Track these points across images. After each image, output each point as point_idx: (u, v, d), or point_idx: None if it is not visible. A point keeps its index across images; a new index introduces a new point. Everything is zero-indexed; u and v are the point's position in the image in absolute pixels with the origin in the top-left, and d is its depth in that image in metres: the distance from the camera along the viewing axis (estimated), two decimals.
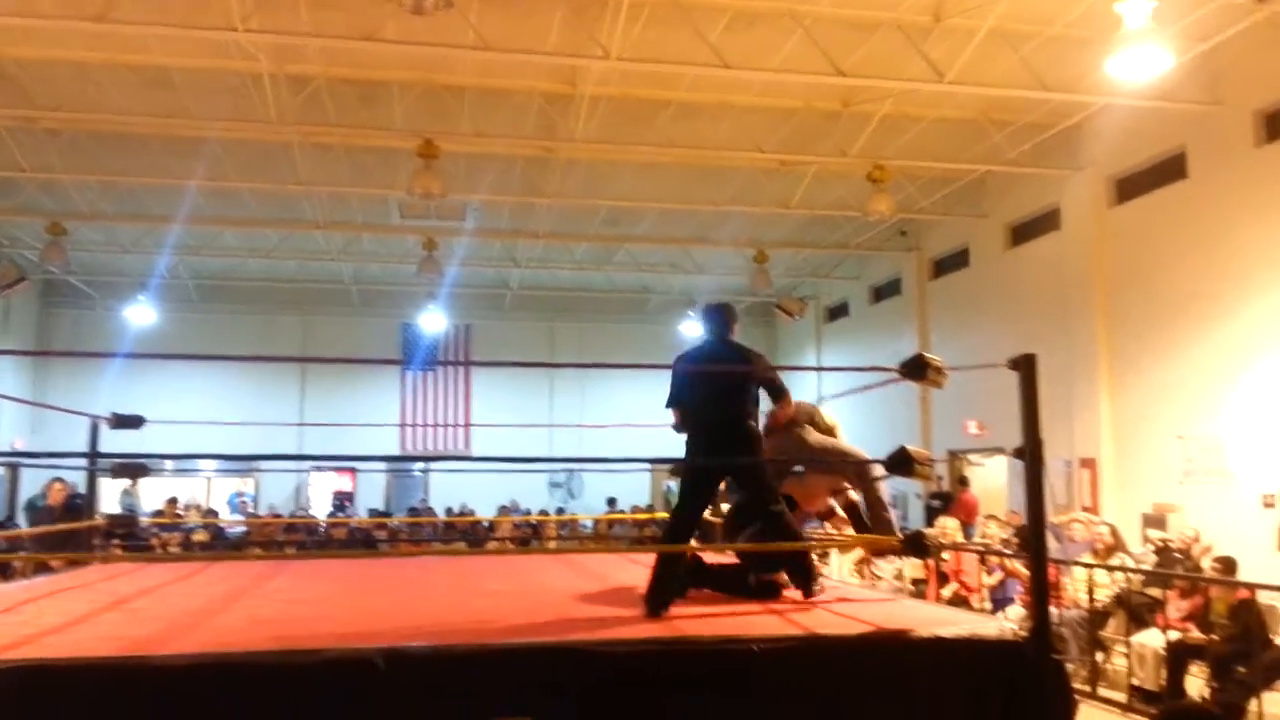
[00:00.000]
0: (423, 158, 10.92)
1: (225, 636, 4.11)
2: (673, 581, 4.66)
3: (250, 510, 19.75)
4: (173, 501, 13.68)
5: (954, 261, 16.25)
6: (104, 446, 7.27)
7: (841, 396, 6.27)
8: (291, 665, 3.59)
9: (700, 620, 4.45)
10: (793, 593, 5.19)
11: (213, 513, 17.21)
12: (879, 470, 5.10)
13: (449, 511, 17.88)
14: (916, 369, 4.40)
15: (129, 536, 9.54)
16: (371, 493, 21.89)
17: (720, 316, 5.06)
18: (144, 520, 12.51)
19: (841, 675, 3.90)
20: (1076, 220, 12.71)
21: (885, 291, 18.65)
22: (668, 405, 4.97)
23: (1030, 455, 4.20)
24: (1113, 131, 11.71)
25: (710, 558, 5.38)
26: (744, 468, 4.89)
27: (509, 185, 13.95)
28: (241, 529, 13.47)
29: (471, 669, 3.66)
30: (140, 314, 19.39)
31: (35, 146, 12.33)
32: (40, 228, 15.14)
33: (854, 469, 5.35)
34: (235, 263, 18.85)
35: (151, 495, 20.86)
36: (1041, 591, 4.15)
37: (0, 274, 15.60)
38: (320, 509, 20.76)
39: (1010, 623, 4.23)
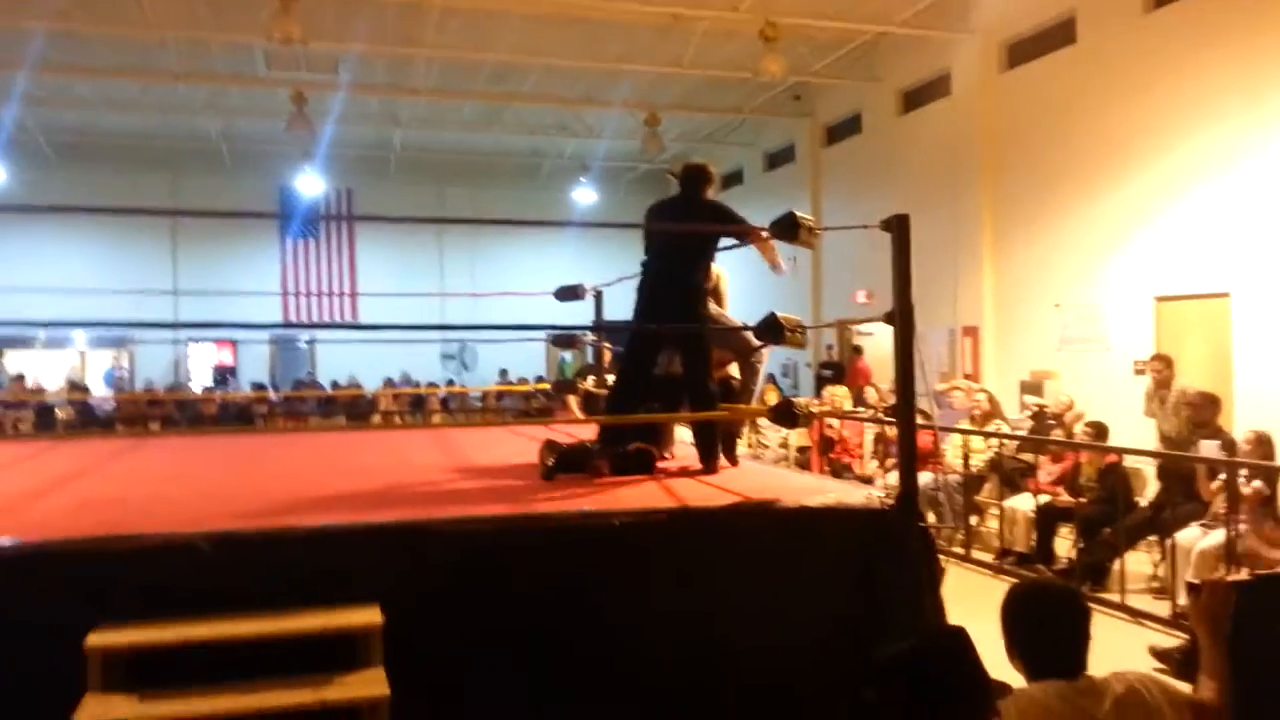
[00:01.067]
0: None
1: (43, 520, 3.76)
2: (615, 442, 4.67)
3: (123, 385, 18.87)
4: (19, 378, 12.84)
5: (847, 128, 16.02)
6: None
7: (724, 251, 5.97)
8: (108, 552, 3.29)
9: (564, 495, 4.27)
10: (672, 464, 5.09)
11: (81, 388, 16.32)
12: (756, 343, 4.95)
13: (334, 385, 17.38)
14: (788, 228, 4.16)
15: None
16: (255, 366, 21.14)
17: (692, 176, 5.02)
18: None
19: (706, 547, 3.78)
20: (966, 86, 12.53)
21: (779, 159, 18.38)
22: None
23: (900, 320, 4.07)
24: None
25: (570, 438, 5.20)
26: (684, 333, 4.80)
27: (382, 35, 13.03)
28: (109, 405, 12.76)
29: (308, 552, 3.41)
30: None
31: None
32: None
33: (739, 342, 5.16)
34: (91, 117, 17.43)
35: (23, 369, 19.81)
36: (909, 458, 4.07)
37: None
38: (201, 383, 20.01)
39: (878, 490, 4.13)
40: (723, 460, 5.05)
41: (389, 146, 19.93)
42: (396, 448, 6.36)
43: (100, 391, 18.35)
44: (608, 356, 7.38)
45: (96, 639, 2.98)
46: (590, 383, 7.83)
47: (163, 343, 19.71)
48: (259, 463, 5.74)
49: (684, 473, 4.88)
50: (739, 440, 5.39)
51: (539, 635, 3.49)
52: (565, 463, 4.82)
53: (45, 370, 19.93)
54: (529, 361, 19.48)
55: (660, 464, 5.00)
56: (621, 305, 5.50)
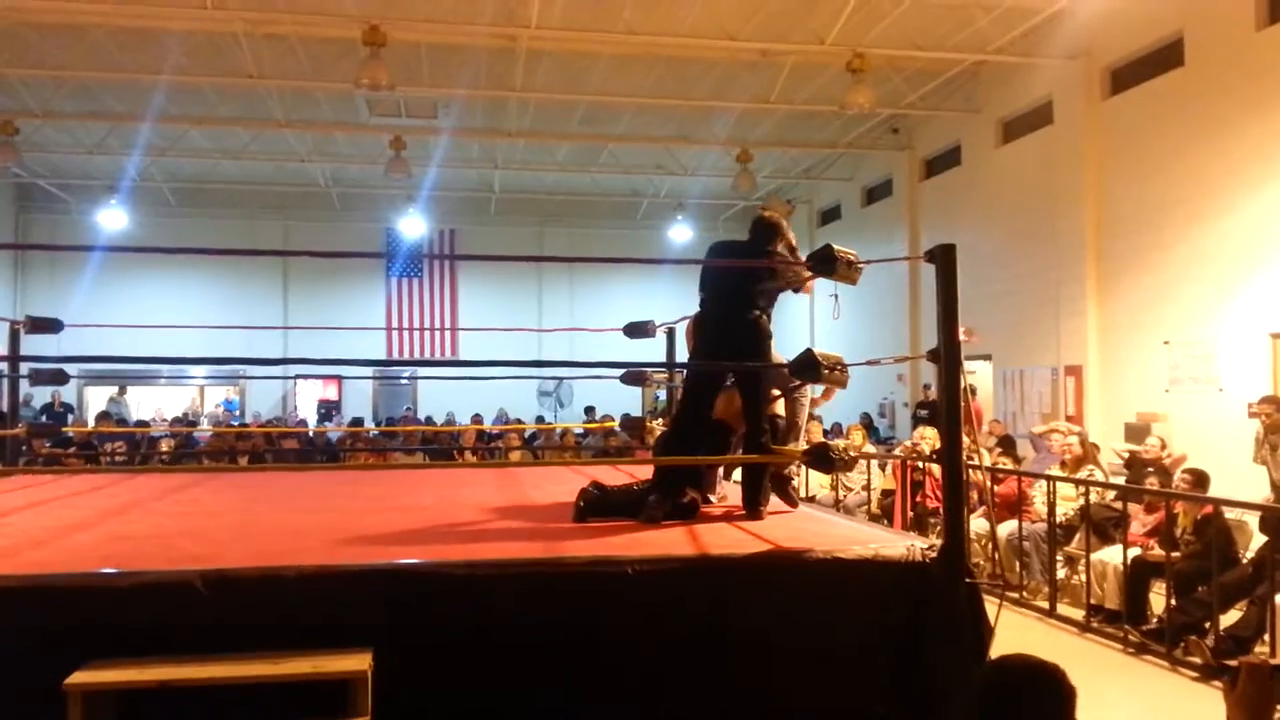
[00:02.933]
0: (369, 45, 10.24)
1: (58, 556, 3.79)
2: (670, 488, 4.50)
3: (223, 420, 19.53)
4: (104, 415, 13.41)
5: (946, 160, 15.54)
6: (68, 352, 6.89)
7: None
8: (104, 588, 3.26)
9: (590, 539, 4.08)
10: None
11: (188, 422, 16.96)
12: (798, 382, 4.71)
13: (428, 420, 17.63)
14: (825, 262, 3.92)
15: (56, 445, 9.23)
16: (359, 401, 21.64)
17: (761, 227, 4.89)
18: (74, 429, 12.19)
19: (726, 598, 3.54)
20: (1068, 114, 11.97)
21: (878, 193, 17.96)
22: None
23: (946, 358, 3.76)
24: (1107, 16, 10.89)
25: (615, 480, 5.02)
26: (742, 372, 4.68)
27: (477, 80, 13.27)
28: (205, 438, 13.19)
29: (302, 594, 3.31)
30: (114, 218, 18.98)
31: None
32: None
33: (781, 380, 4.92)
34: (208, 165, 18.28)
35: (144, 403, 20.79)
36: (955, 506, 3.75)
37: None
38: (308, 418, 20.58)
39: (921, 542, 3.82)
40: (775, 503, 4.81)
41: (489, 188, 20.29)
42: (456, 486, 6.29)
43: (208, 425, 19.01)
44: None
45: (78, 678, 2.93)
46: (660, 423, 7.68)
47: (272, 378, 20.35)
48: (310, 500, 5.72)
49: (727, 517, 4.65)
50: (793, 479, 5.10)
51: (542, 684, 3.31)
52: (603, 506, 4.64)
53: (167, 404, 20.90)
54: (622, 399, 19.36)
55: (706, 508, 4.79)
56: None
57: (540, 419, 18.93)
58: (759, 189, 18.21)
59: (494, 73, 13.22)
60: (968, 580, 3.70)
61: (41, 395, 17.13)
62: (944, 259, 3.79)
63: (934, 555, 3.70)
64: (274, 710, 2.99)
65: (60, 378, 7.64)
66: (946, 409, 3.84)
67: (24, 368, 7.59)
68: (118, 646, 3.09)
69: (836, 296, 4.20)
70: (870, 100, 11.46)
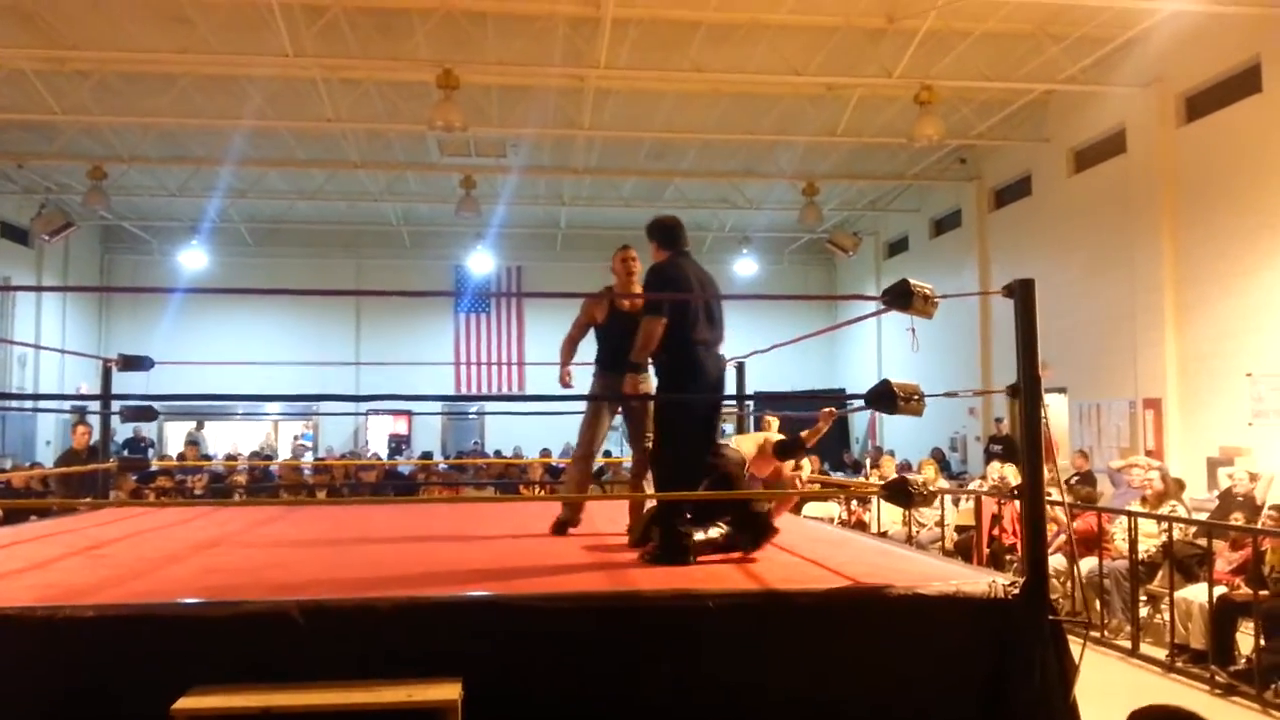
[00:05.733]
0: (442, 89, 10.52)
1: (160, 586, 3.94)
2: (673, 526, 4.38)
3: (297, 454, 19.90)
4: (194, 444, 13.78)
5: (1016, 190, 15.38)
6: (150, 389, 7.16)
7: (809, 337, 5.90)
8: (207, 618, 3.39)
9: (658, 572, 4.12)
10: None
11: (264, 456, 17.36)
12: None
13: (496, 454, 17.81)
14: (902, 296, 3.94)
15: (142, 479, 9.53)
16: (428, 436, 21.96)
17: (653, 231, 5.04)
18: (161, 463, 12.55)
19: (804, 634, 3.55)
20: (1142, 142, 11.80)
21: (946, 224, 17.82)
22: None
23: (1026, 393, 3.74)
24: (1181, 42, 10.75)
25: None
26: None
27: (545, 119, 13.52)
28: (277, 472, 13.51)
29: (396, 625, 3.40)
30: (194, 258, 19.64)
31: (66, 89, 12.28)
32: (84, 171, 15.22)
33: None
34: (284, 205, 18.85)
35: (220, 438, 21.36)
36: (1037, 545, 3.72)
37: (47, 219, 15.70)
38: (379, 451, 20.94)
39: (1003, 578, 3.78)
40: (839, 540, 4.81)
41: (556, 224, 20.57)
42: (526, 519, 6.39)
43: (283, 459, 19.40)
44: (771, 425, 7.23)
45: (184, 703, 3.05)
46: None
47: (345, 414, 20.80)
48: (389, 532, 5.85)
49: (803, 554, 4.64)
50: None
51: (622, 715, 3.35)
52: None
53: (242, 439, 21.43)
54: None
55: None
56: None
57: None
58: (825, 221, 18.19)
59: (562, 111, 13.47)
60: (1051, 618, 3.66)
61: (122, 430, 17.68)
62: (1023, 294, 3.79)
63: (1016, 592, 3.67)
64: None
65: (149, 414, 7.98)
66: (1027, 444, 3.81)
67: (113, 404, 7.88)
68: (219, 674, 3.20)
69: (914, 330, 4.21)
70: (939, 132, 11.43)
